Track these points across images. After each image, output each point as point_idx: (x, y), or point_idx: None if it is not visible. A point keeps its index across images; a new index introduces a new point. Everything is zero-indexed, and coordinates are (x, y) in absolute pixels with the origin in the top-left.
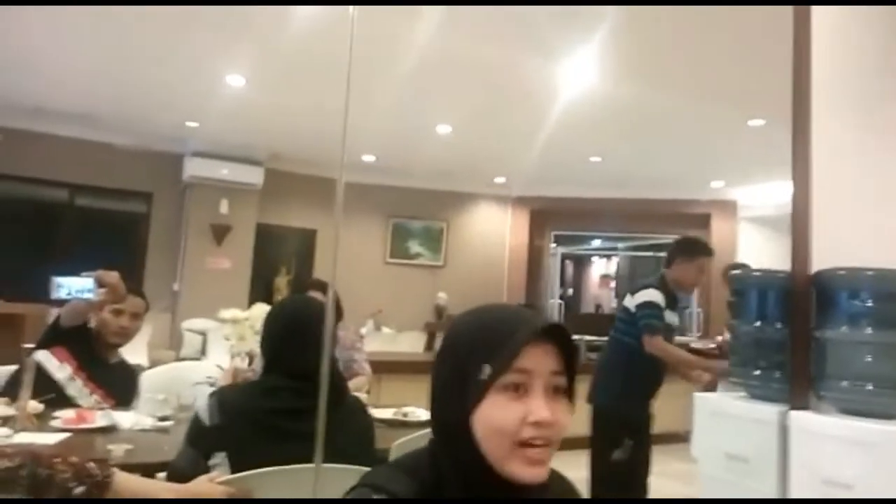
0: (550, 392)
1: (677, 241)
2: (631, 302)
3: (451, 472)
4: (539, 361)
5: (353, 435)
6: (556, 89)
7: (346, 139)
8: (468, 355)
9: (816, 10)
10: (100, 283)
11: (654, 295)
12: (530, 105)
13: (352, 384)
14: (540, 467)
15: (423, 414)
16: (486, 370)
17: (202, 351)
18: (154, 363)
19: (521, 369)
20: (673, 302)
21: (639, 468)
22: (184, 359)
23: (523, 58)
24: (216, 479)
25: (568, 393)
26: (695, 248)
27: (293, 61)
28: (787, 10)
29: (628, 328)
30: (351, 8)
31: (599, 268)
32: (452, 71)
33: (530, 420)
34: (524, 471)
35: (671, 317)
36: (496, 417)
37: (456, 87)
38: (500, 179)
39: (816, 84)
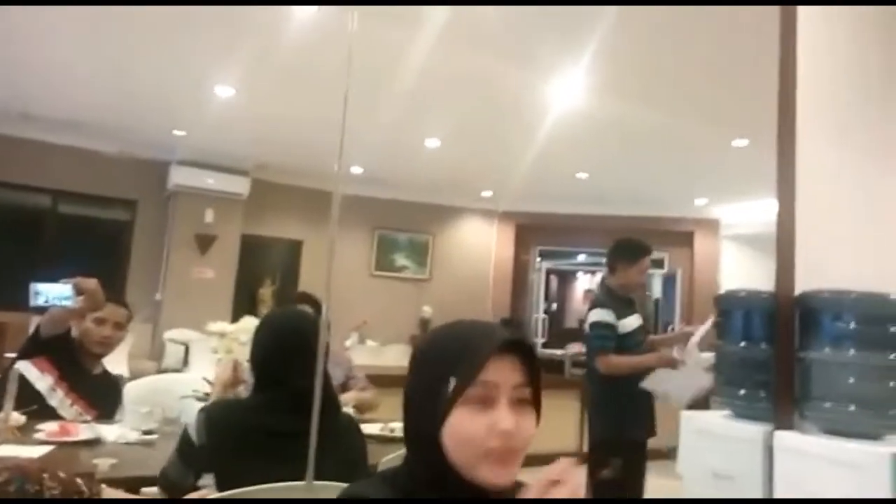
0: (515, 404)
1: (615, 245)
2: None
3: (424, 481)
4: (502, 374)
5: (345, 455)
6: (545, 106)
7: (342, 152)
8: (435, 369)
9: (803, 31)
10: (78, 291)
11: (599, 314)
12: (519, 121)
13: (360, 398)
14: (507, 469)
15: None
16: (452, 383)
17: (184, 362)
18: (135, 373)
19: (485, 382)
20: (627, 307)
21: (632, 489)
22: (165, 370)
23: (513, 74)
24: (206, 496)
25: (534, 404)
26: (636, 251)
27: (283, 72)
28: (774, 33)
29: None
30: (350, 18)
31: (584, 283)
32: (442, 85)
33: (496, 430)
34: (491, 474)
35: (633, 321)
36: (463, 429)
37: (446, 101)
38: (486, 194)
39: (802, 105)
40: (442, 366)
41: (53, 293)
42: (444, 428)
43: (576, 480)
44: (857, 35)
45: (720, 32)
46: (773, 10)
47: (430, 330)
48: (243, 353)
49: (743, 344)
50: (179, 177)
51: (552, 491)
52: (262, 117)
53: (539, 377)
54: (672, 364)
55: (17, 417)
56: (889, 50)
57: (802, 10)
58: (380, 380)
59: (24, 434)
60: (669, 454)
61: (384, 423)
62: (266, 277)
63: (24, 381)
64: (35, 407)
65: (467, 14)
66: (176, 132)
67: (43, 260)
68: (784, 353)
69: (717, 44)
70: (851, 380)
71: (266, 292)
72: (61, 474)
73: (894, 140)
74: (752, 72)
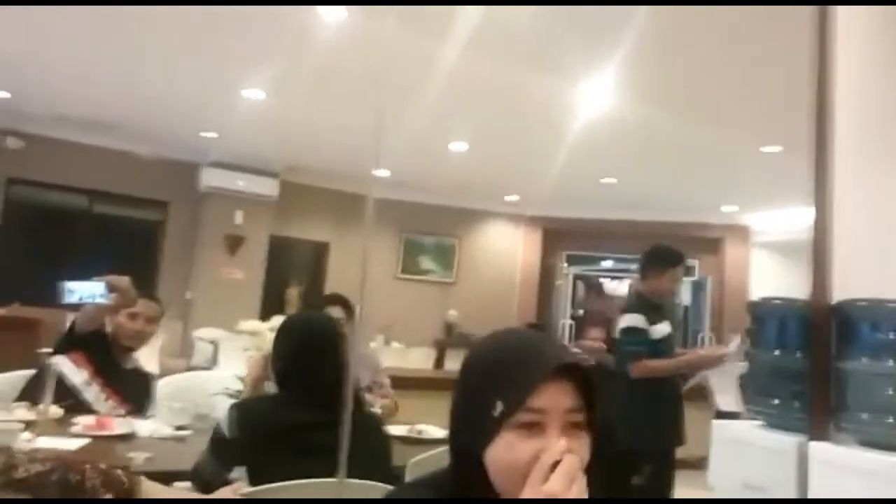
0: (567, 428)
1: (650, 251)
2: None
3: (465, 488)
4: (554, 400)
5: (369, 450)
6: (573, 111)
7: (378, 156)
8: (481, 389)
9: (838, 33)
10: (110, 288)
11: (631, 320)
12: (547, 125)
13: (382, 406)
14: None
15: (437, 432)
16: (499, 407)
17: (213, 360)
18: (164, 371)
19: (535, 409)
20: (657, 313)
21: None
22: (194, 367)
23: (542, 79)
24: (238, 490)
25: (588, 427)
26: (667, 259)
27: (313, 76)
28: (805, 37)
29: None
30: (389, 19)
31: (610, 289)
32: (471, 90)
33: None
34: None
35: (663, 328)
36: (507, 457)
37: (474, 105)
38: (513, 198)
39: (838, 111)
40: (488, 387)
41: (86, 290)
42: (488, 451)
43: (571, 462)
44: (893, 37)
45: (749, 37)
46: (805, 13)
47: (478, 340)
48: None
49: (777, 352)
50: (210, 178)
51: (552, 476)
52: (292, 120)
53: (596, 401)
54: (714, 362)
55: (55, 411)
56: None
57: (838, 11)
58: (404, 382)
59: (60, 427)
60: (700, 464)
61: (410, 425)
62: (293, 278)
63: (58, 376)
64: (72, 401)
65: (495, 19)
66: (208, 134)
67: (77, 259)
68: (819, 363)
69: (747, 49)
70: (889, 391)
71: (293, 293)
72: (102, 466)
73: None
74: (783, 77)
